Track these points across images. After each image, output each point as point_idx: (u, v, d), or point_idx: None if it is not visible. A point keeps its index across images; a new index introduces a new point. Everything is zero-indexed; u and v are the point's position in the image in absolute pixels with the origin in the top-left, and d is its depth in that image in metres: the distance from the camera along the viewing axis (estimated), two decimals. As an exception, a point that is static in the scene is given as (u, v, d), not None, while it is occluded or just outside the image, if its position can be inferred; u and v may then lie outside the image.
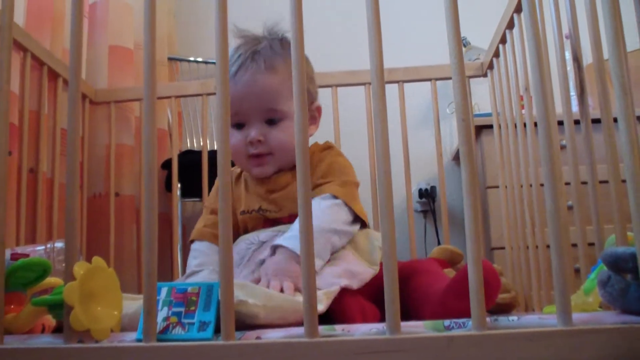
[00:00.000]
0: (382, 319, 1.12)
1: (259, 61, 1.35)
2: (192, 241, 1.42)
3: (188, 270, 1.34)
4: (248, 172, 1.43)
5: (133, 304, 0.98)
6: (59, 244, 1.37)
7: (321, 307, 1.00)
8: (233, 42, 1.42)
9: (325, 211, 1.26)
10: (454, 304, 1.02)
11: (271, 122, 1.36)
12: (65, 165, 0.86)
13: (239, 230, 1.39)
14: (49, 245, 1.35)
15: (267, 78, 1.34)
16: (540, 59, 0.82)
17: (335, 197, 1.29)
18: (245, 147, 1.36)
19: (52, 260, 1.32)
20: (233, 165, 1.50)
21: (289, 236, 1.21)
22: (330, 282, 1.12)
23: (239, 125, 1.38)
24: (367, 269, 1.22)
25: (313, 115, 1.44)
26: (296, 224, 1.24)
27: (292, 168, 1.37)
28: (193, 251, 1.39)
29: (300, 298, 0.97)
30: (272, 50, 1.37)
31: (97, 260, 0.88)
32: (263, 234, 1.32)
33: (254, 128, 1.35)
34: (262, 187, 1.39)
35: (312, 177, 1.33)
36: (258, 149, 1.35)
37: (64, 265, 1.30)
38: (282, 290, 1.10)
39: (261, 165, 1.37)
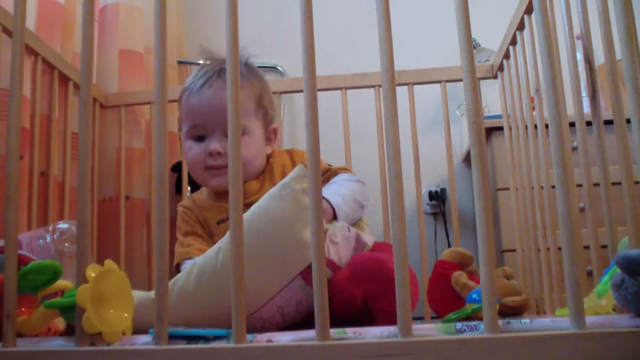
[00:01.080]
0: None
1: (224, 78, 1.37)
2: (177, 265, 1.44)
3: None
4: (204, 183, 1.48)
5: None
6: (62, 225, 1.37)
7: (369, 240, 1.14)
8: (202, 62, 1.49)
9: (349, 183, 1.34)
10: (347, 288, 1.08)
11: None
12: (76, 169, 0.87)
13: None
14: (50, 227, 1.36)
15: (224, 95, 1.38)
16: (552, 59, 0.81)
17: (352, 174, 1.38)
18: (205, 159, 1.41)
19: (54, 242, 1.32)
20: (195, 184, 1.57)
21: (327, 192, 1.28)
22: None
23: (199, 138, 1.43)
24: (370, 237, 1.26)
25: (269, 136, 1.51)
26: (327, 189, 1.33)
27: (257, 176, 1.46)
28: (184, 267, 1.37)
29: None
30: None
31: (109, 263, 0.88)
32: None
33: (215, 140, 1.40)
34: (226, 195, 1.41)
35: None
36: (217, 161, 1.40)
37: (66, 245, 1.31)
38: None
39: (219, 176, 1.41)
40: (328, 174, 1.42)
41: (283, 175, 1.39)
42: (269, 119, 1.50)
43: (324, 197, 1.23)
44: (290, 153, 1.55)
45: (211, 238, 1.47)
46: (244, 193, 1.35)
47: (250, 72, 1.46)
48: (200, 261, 1.08)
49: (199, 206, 1.51)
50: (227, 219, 1.36)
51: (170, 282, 1.05)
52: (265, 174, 1.48)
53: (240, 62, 1.38)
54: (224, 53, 1.40)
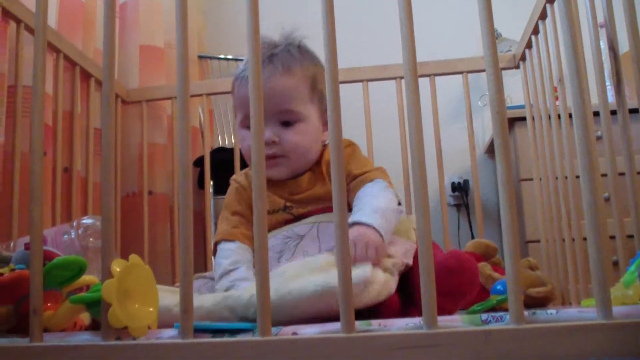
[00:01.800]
0: (401, 306, 1.13)
1: (276, 63, 1.35)
2: (217, 242, 1.40)
3: (220, 269, 1.31)
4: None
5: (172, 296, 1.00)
6: (87, 220, 1.37)
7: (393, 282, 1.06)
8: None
9: (382, 194, 1.27)
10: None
11: (286, 123, 1.35)
12: (99, 165, 0.87)
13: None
14: (75, 223, 1.36)
15: (283, 80, 1.33)
16: (576, 48, 0.80)
17: (383, 181, 1.31)
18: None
19: (79, 237, 1.33)
20: (247, 166, 1.49)
21: (362, 214, 1.20)
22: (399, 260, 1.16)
23: (249, 128, 1.37)
24: (412, 244, 1.22)
25: (326, 122, 1.40)
26: (360, 205, 1.25)
27: (308, 170, 1.39)
28: (223, 251, 1.36)
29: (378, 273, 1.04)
30: (289, 54, 1.37)
31: (134, 257, 0.89)
32: (297, 228, 1.32)
33: (269, 129, 1.34)
34: (283, 189, 1.38)
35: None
36: (272, 150, 1.34)
37: (91, 240, 1.32)
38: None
39: (275, 166, 1.36)
40: (362, 178, 1.34)
41: (328, 173, 1.35)
42: (325, 104, 1.39)
43: (366, 224, 1.16)
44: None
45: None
46: (291, 189, 1.36)
47: (302, 54, 1.38)
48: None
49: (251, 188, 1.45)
50: (277, 210, 1.36)
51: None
52: (316, 167, 1.41)
53: (292, 45, 1.38)
54: (276, 37, 1.39)
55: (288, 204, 1.37)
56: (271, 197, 1.39)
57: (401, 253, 1.19)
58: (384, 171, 1.37)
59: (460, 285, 1.10)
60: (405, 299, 1.13)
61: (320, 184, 1.36)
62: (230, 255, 1.32)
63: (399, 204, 1.31)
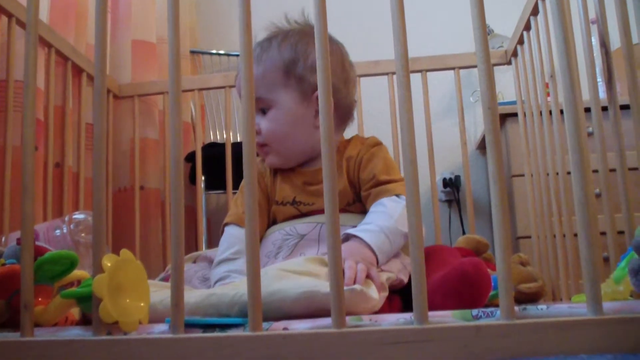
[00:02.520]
0: (405, 308, 1.13)
1: (257, 53, 1.36)
2: (226, 224, 1.38)
3: (222, 256, 1.31)
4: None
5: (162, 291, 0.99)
6: (78, 216, 1.37)
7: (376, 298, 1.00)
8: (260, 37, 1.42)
9: (398, 214, 1.23)
10: (439, 302, 1.02)
11: (262, 111, 1.36)
12: (91, 160, 0.87)
13: (269, 220, 1.40)
14: (66, 218, 1.36)
15: (255, 68, 1.33)
16: (568, 44, 0.81)
17: (399, 199, 1.27)
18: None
19: (70, 233, 1.32)
20: (240, 161, 1.49)
21: (364, 229, 1.19)
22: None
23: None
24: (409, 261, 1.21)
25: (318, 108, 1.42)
26: (371, 219, 1.23)
27: (317, 158, 1.36)
28: (228, 236, 1.35)
29: (370, 289, 1.00)
30: (268, 42, 1.37)
31: (125, 252, 0.89)
32: (300, 226, 1.31)
33: (256, 119, 1.35)
34: (299, 178, 1.38)
35: (364, 170, 1.33)
36: (257, 139, 1.33)
37: (82, 235, 1.32)
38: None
39: (266, 155, 1.37)
40: (386, 188, 1.29)
41: (347, 169, 1.35)
42: (311, 86, 1.35)
43: (365, 242, 1.15)
44: (359, 144, 1.42)
45: (267, 210, 1.41)
46: (306, 178, 1.36)
47: (282, 41, 1.37)
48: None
49: (267, 175, 1.44)
50: (286, 204, 1.35)
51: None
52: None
53: (282, 33, 1.38)
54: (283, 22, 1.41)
55: (297, 198, 1.36)
56: (283, 188, 1.38)
57: (397, 269, 1.18)
58: (403, 182, 1.32)
59: (476, 295, 1.07)
60: (407, 300, 1.12)
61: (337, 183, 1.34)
62: (235, 243, 1.31)
63: None
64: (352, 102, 1.44)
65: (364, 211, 1.30)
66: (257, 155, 1.44)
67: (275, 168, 1.39)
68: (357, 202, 1.35)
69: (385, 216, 1.22)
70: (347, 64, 1.42)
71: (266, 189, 1.41)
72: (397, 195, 1.27)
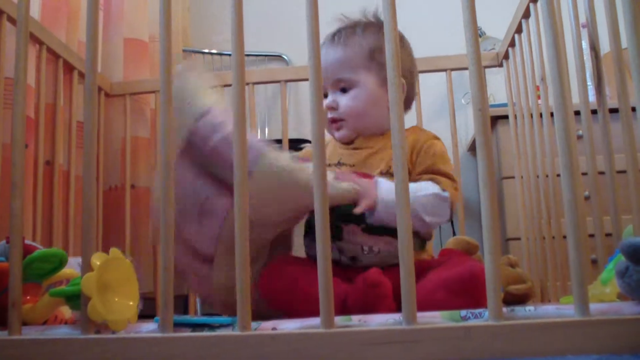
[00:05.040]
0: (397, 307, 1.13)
1: (336, 39, 1.49)
2: None
3: None
4: (332, 135, 1.53)
5: None
6: None
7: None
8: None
9: (428, 201, 1.31)
10: (443, 300, 1.06)
11: (343, 90, 1.46)
12: (81, 158, 0.87)
13: None
14: None
15: (337, 51, 1.46)
16: (558, 48, 0.81)
17: (444, 192, 1.34)
18: (326, 114, 1.49)
19: None
20: None
21: (386, 181, 1.29)
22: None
23: (325, 96, 1.49)
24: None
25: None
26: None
27: (383, 133, 1.47)
28: None
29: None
30: (352, 30, 1.49)
31: (114, 251, 0.89)
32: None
33: (330, 96, 1.47)
34: (350, 145, 1.48)
35: (424, 156, 1.40)
36: (332, 115, 1.45)
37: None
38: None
39: (337, 129, 1.47)
40: (431, 177, 1.37)
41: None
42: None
43: (377, 184, 1.27)
44: (418, 132, 1.52)
45: None
46: (355, 145, 1.46)
47: (366, 29, 1.49)
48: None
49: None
50: (330, 165, 1.45)
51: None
52: (387, 136, 1.47)
53: (361, 23, 1.52)
54: (357, 15, 1.54)
55: (342, 159, 1.45)
56: (334, 152, 1.49)
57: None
58: (456, 187, 1.40)
59: (478, 298, 1.08)
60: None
61: (381, 155, 1.42)
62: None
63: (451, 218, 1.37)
64: (414, 94, 1.57)
65: None
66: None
67: (344, 142, 1.49)
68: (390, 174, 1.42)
69: (413, 189, 1.25)
70: (413, 59, 1.57)
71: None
72: (442, 189, 1.34)
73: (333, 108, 1.45)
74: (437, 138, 1.46)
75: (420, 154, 1.40)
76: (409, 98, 1.52)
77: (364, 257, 1.29)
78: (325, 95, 1.50)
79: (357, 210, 1.22)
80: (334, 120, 1.46)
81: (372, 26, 1.51)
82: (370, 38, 1.48)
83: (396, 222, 1.21)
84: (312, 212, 1.41)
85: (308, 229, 1.41)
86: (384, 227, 1.26)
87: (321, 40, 1.41)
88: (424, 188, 1.31)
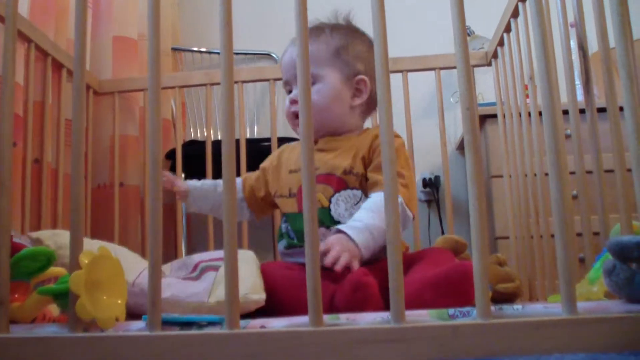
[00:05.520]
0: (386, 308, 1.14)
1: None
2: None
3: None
4: (295, 131, 1.57)
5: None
6: None
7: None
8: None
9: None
10: (431, 299, 1.07)
11: None
12: (70, 156, 0.87)
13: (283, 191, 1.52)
14: None
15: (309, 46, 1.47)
16: (546, 47, 0.81)
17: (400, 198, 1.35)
18: (289, 108, 1.52)
19: None
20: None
21: (353, 226, 1.29)
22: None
23: (289, 92, 1.54)
24: None
25: (358, 88, 1.53)
26: (360, 216, 1.33)
27: (341, 134, 1.51)
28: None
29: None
30: (320, 29, 1.53)
31: (103, 249, 0.89)
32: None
33: (294, 90, 1.51)
34: (317, 144, 1.49)
35: (374, 152, 1.44)
36: (295, 108, 1.48)
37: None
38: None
39: (298, 125, 1.46)
40: (377, 179, 1.40)
41: (364, 158, 1.45)
42: (353, 71, 1.51)
43: (352, 239, 1.26)
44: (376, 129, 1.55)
45: (277, 183, 1.55)
46: (323, 144, 1.48)
47: (334, 30, 1.53)
48: None
49: (283, 156, 1.60)
50: (297, 171, 1.48)
51: None
52: (356, 140, 1.50)
53: (329, 25, 1.55)
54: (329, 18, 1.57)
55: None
56: (290, 157, 1.54)
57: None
58: (410, 184, 1.43)
59: (466, 296, 1.09)
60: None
61: (344, 156, 1.45)
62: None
63: (413, 218, 1.41)
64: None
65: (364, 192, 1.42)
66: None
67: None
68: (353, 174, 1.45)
69: (372, 214, 1.32)
70: None
71: (269, 185, 1.60)
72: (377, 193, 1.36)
73: (297, 102, 1.44)
74: (397, 136, 1.48)
75: (376, 151, 1.44)
76: (373, 98, 1.53)
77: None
78: (290, 92, 1.54)
79: (354, 267, 1.20)
80: (297, 115, 1.45)
81: (342, 28, 1.56)
82: (337, 37, 1.52)
83: (378, 244, 1.26)
84: (286, 218, 1.44)
85: (283, 236, 1.46)
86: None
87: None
88: (380, 207, 1.30)
